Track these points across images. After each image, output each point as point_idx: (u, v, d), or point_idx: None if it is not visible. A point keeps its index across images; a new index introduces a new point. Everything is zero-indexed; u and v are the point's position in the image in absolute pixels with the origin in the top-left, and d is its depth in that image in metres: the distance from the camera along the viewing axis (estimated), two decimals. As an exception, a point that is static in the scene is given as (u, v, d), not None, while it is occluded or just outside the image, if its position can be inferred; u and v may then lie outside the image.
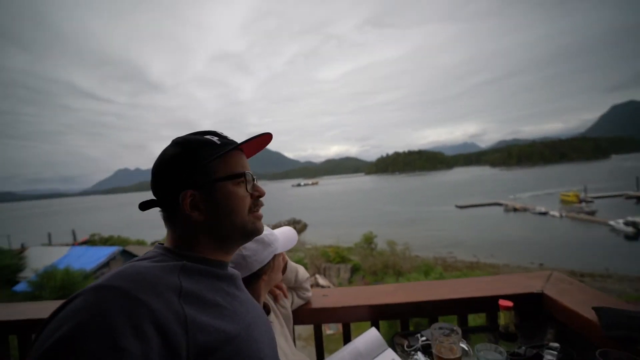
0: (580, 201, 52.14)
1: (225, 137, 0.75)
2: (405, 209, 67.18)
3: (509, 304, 1.17)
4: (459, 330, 1.06)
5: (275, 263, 1.15)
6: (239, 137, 0.79)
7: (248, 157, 0.82)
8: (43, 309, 1.60)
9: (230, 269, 0.78)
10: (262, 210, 0.80)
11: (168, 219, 0.71)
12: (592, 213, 42.54)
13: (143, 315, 0.48)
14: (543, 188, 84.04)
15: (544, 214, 46.45)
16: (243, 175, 0.73)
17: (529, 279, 1.44)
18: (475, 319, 1.78)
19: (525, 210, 51.29)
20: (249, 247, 1.03)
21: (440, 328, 1.09)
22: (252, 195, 0.75)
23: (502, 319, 1.19)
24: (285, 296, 1.29)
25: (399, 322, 1.44)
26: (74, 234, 38.13)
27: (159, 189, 0.70)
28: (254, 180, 0.76)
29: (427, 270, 16.69)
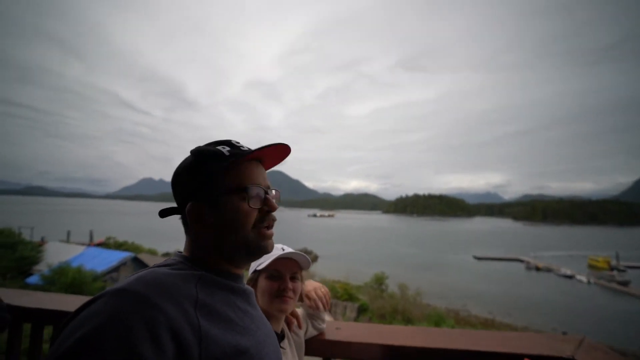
0: (612, 268, 48.59)
1: (237, 147, 0.73)
2: (421, 252, 64.85)
3: (536, 365, 1.08)
4: (480, 386, 0.99)
5: (259, 282, 1.09)
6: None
7: (268, 168, 0.80)
8: (58, 300, 1.62)
9: (245, 285, 0.77)
10: (276, 236, 0.77)
11: (184, 227, 0.73)
12: (625, 283, 39.37)
13: (160, 322, 0.48)
14: (569, 249, 79.23)
15: (570, 277, 43.47)
16: (245, 189, 0.69)
17: (558, 342, 1.33)
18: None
19: (549, 270, 48.34)
20: None
21: (459, 380, 1.02)
22: (261, 210, 0.71)
23: (528, 381, 1.10)
24: (300, 326, 1.24)
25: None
26: (91, 234, 39.02)
27: (175, 198, 0.73)
28: (266, 194, 0.72)
29: (438, 320, 15.78)
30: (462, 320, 22.25)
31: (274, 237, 0.77)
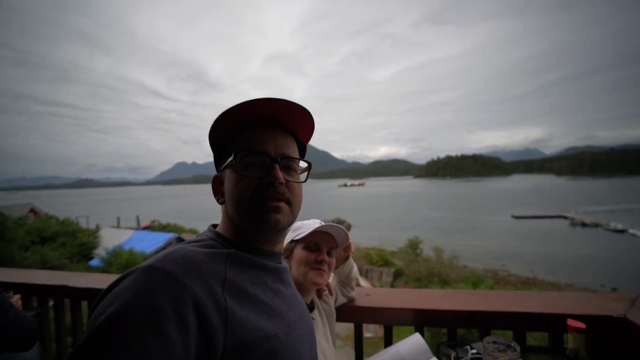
0: (671, 220, 44.80)
1: (247, 102, 0.62)
2: (456, 215, 63.56)
3: (581, 325, 1.01)
4: (517, 347, 0.95)
5: (295, 252, 1.11)
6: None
7: (303, 138, 0.74)
8: (107, 280, 1.80)
9: (280, 262, 0.72)
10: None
11: None
12: (687, 236, 36.31)
13: (186, 301, 0.46)
14: (621, 202, 73.87)
15: (622, 231, 40.47)
16: (235, 156, 0.63)
17: (606, 301, 1.24)
18: (531, 339, 1.59)
19: (596, 225, 45.23)
20: None
21: (495, 342, 0.98)
22: (263, 180, 0.63)
23: (571, 341, 1.03)
24: (331, 294, 1.26)
25: (445, 330, 1.33)
26: (137, 219, 42.22)
27: None
28: (274, 163, 0.63)
29: (475, 281, 15.64)
30: (502, 280, 21.96)
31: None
